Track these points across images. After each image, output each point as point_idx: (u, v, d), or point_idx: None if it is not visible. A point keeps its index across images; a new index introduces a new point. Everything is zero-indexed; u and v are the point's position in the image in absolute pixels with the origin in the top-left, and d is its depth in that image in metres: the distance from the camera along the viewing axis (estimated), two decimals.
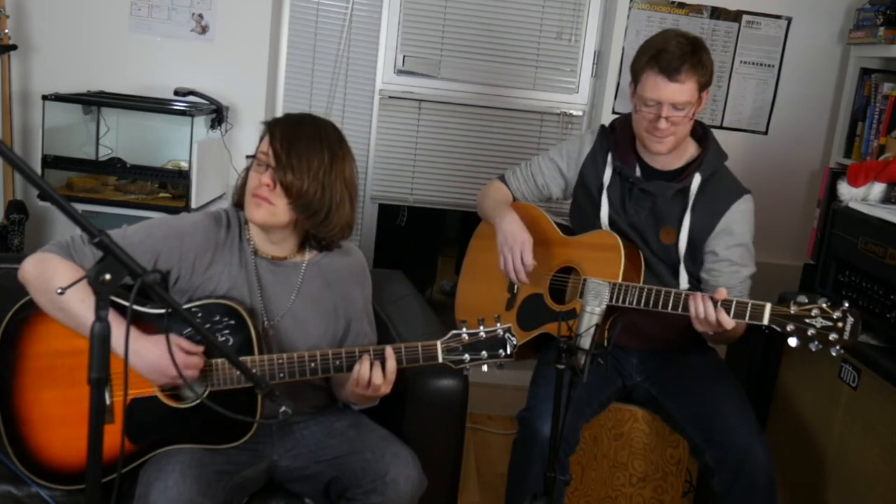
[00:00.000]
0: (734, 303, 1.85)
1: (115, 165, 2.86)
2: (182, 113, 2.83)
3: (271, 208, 1.71)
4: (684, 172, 2.16)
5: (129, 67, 3.11)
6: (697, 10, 3.24)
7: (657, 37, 2.07)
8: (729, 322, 1.85)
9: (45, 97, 2.74)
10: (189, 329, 1.68)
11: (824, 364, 2.28)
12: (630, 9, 3.22)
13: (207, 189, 2.91)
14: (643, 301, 1.96)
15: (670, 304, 1.93)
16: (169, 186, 2.89)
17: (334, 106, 3.34)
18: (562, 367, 1.63)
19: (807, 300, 1.77)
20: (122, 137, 3.05)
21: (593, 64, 3.39)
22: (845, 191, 2.49)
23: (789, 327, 1.78)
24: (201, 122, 2.96)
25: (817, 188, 3.27)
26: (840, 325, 1.74)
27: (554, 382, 1.67)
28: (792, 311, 1.78)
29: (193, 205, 2.77)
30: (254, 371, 1.57)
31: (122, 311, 1.57)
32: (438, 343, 1.71)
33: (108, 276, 1.13)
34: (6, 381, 1.71)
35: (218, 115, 3.02)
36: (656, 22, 3.23)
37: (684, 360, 2.21)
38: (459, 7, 3.31)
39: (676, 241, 2.14)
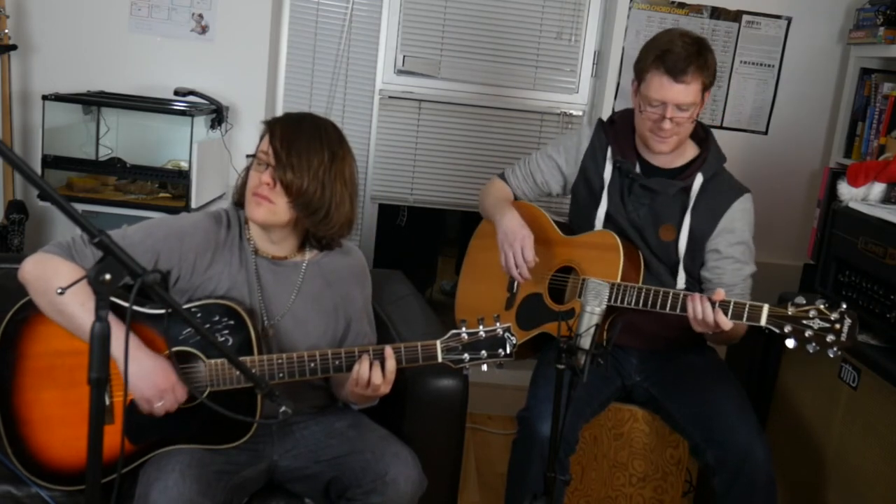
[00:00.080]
0: (732, 304, 1.85)
1: (115, 165, 2.86)
2: (182, 113, 2.83)
3: (271, 207, 1.71)
4: (685, 171, 2.16)
5: (129, 67, 3.11)
6: (697, 10, 3.24)
7: (662, 36, 2.06)
8: (727, 323, 1.85)
9: (45, 97, 2.74)
10: (189, 329, 1.68)
11: (824, 364, 2.28)
12: (630, 9, 3.22)
13: (207, 189, 2.91)
14: (641, 301, 1.96)
15: (668, 305, 1.93)
16: (169, 186, 2.89)
17: (334, 106, 3.34)
18: (562, 367, 1.63)
19: (805, 301, 1.77)
20: (122, 137, 3.05)
21: (593, 64, 3.39)
22: (845, 191, 2.49)
23: (787, 328, 1.78)
24: (201, 122, 2.96)
25: (817, 188, 3.27)
26: (837, 326, 1.74)
27: (554, 382, 1.67)
28: (789, 313, 1.78)
29: (193, 205, 2.77)
30: (253, 371, 1.57)
31: (120, 314, 1.57)
32: (438, 343, 1.71)
33: (108, 276, 1.13)
34: (6, 381, 1.71)
35: (218, 115, 3.02)
36: (656, 22, 3.23)
37: (684, 360, 2.21)
38: (459, 7, 3.31)
39: (676, 239, 2.14)
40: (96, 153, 3.02)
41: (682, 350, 2.22)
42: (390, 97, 3.35)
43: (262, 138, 1.75)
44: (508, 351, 1.72)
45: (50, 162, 2.75)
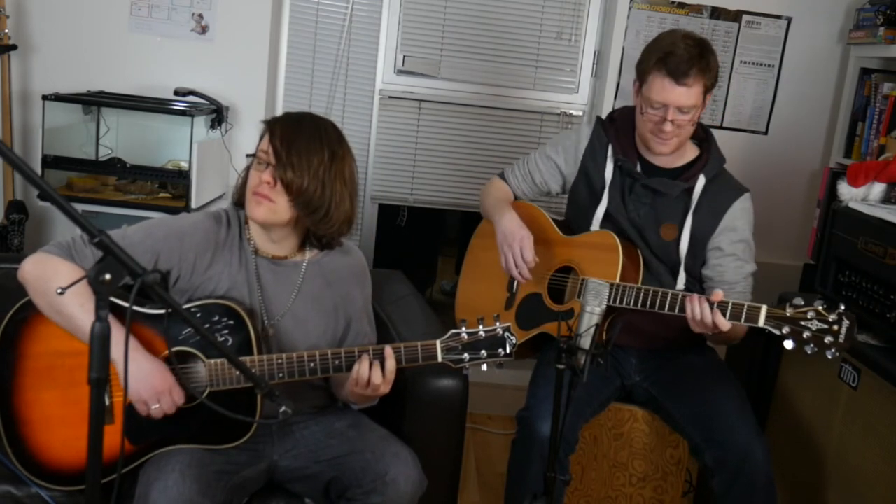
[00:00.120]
0: (730, 305, 1.85)
1: (115, 165, 2.86)
2: (182, 113, 2.83)
3: (272, 206, 1.71)
4: (687, 172, 2.16)
5: (129, 67, 3.11)
6: (697, 10, 3.24)
7: (665, 38, 2.06)
8: (724, 324, 1.85)
9: (45, 97, 2.74)
10: (188, 329, 1.69)
11: (824, 364, 2.28)
12: (630, 9, 3.22)
13: (207, 189, 2.91)
14: (640, 302, 1.96)
15: (667, 306, 1.93)
16: (169, 186, 2.89)
17: (334, 106, 3.34)
18: (562, 367, 1.63)
19: (803, 303, 1.77)
20: (122, 137, 3.05)
21: (593, 64, 3.39)
22: (845, 191, 2.49)
23: (785, 330, 1.78)
24: (201, 122, 2.96)
25: (817, 188, 3.27)
26: (836, 328, 1.74)
27: (553, 382, 1.67)
28: (788, 314, 1.77)
29: (193, 205, 2.77)
30: (253, 371, 1.57)
31: (120, 314, 1.57)
32: (438, 343, 1.71)
33: (108, 277, 1.13)
34: (6, 381, 1.71)
35: (218, 115, 3.02)
36: (656, 22, 3.23)
37: (683, 360, 2.21)
38: (459, 7, 3.31)
39: (678, 239, 2.14)
40: (96, 153, 3.02)
41: (682, 350, 2.22)
42: (390, 97, 3.35)
43: (261, 138, 1.75)
44: (508, 351, 1.72)
45: (50, 162, 2.75)
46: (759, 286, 2.21)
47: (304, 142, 1.70)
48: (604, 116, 2.33)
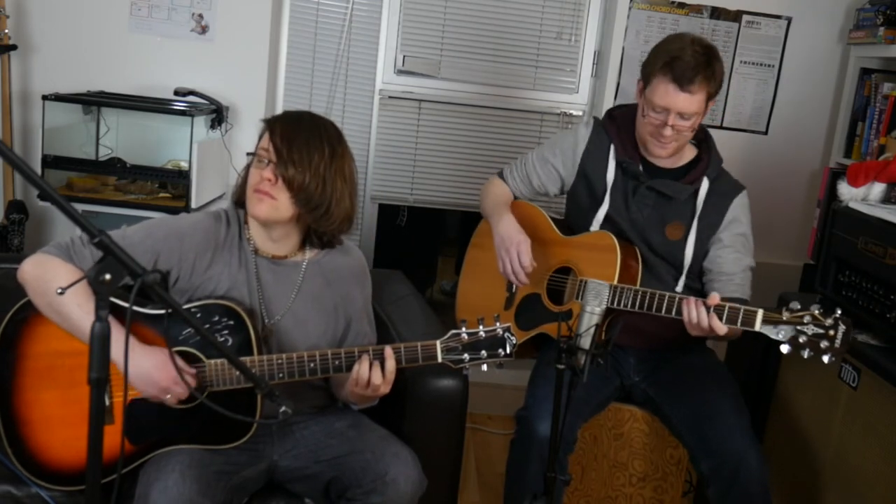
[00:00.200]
0: (726, 308, 1.85)
1: (115, 165, 2.86)
2: (182, 113, 2.83)
3: (273, 203, 1.71)
4: (689, 173, 2.17)
5: (129, 67, 3.11)
6: (697, 10, 3.24)
7: (673, 41, 2.05)
8: (721, 328, 1.85)
9: (45, 97, 2.74)
10: (188, 329, 1.69)
11: (824, 364, 2.27)
12: (630, 9, 3.22)
13: (207, 189, 2.91)
14: (638, 304, 1.96)
15: (664, 308, 1.94)
16: (169, 186, 2.89)
17: (334, 106, 3.34)
18: (562, 367, 1.63)
19: (799, 306, 1.77)
20: (122, 137, 3.05)
21: (593, 64, 3.39)
22: (845, 191, 2.49)
23: (781, 334, 1.78)
24: (201, 122, 2.96)
25: (817, 188, 3.27)
26: (832, 333, 1.74)
27: (553, 382, 1.67)
28: (784, 318, 1.78)
29: (193, 205, 2.77)
30: (253, 371, 1.57)
31: (119, 314, 1.57)
32: (438, 343, 1.71)
33: (107, 277, 1.13)
34: (6, 381, 1.71)
35: (218, 115, 3.02)
36: (656, 22, 3.23)
37: (682, 361, 2.21)
38: (459, 7, 3.31)
39: (684, 238, 2.15)
40: (96, 153, 3.02)
41: (681, 350, 2.22)
42: (390, 97, 3.35)
43: (261, 136, 1.75)
44: (508, 351, 1.72)
45: (50, 162, 2.75)
46: (759, 286, 2.21)
47: (304, 139, 1.70)
48: (601, 116, 2.33)
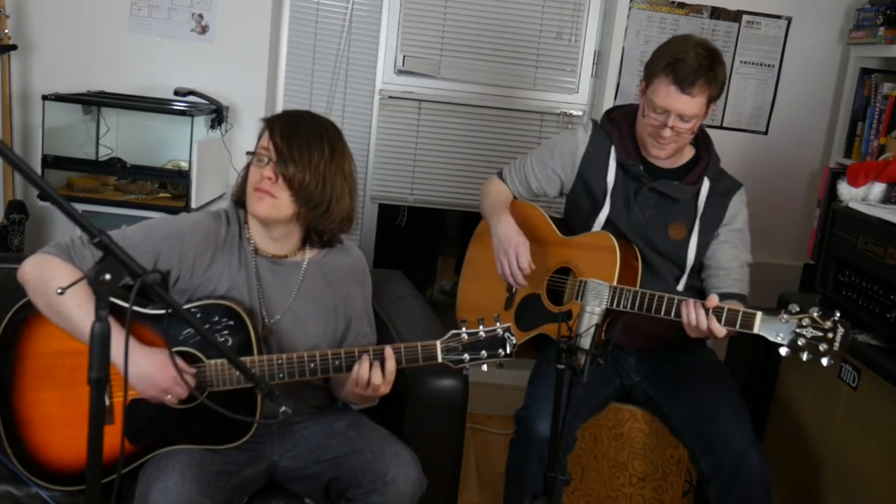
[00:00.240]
0: (725, 311, 1.85)
1: (115, 165, 2.86)
2: (182, 113, 2.83)
3: (274, 201, 1.71)
4: (690, 173, 2.18)
5: (129, 67, 3.11)
6: (697, 10, 3.24)
7: (677, 43, 2.05)
8: (720, 330, 1.85)
9: (45, 97, 2.74)
10: (188, 329, 1.68)
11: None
12: (630, 9, 3.22)
13: (207, 189, 2.91)
14: (637, 305, 1.96)
15: (663, 310, 1.94)
16: (169, 186, 2.89)
17: (334, 106, 3.34)
18: (562, 367, 1.63)
19: (798, 309, 1.77)
20: (122, 137, 3.05)
21: (593, 64, 3.39)
22: (845, 191, 2.49)
23: (780, 337, 1.78)
24: (201, 122, 2.96)
25: (817, 188, 3.27)
26: (830, 335, 1.74)
27: (552, 382, 1.67)
28: (783, 321, 1.78)
29: (193, 205, 2.77)
30: (253, 371, 1.57)
31: (119, 314, 1.56)
32: (438, 343, 1.71)
33: (107, 277, 1.13)
34: (6, 381, 1.71)
35: (218, 115, 3.02)
36: (656, 22, 3.23)
37: (682, 361, 2.21)
38: (459, 7, 3.31)
39: (687, 238, 2.15)
40: (96, 153, 3.02)
41: (681, 350, 2.22)
42: (390, 97, 3.35)
43: (261, 135, 1.76)
44: (508, 351, 1.72)
45: (50, 162, 2.75)
46: (759, 286, 2.22)
47: (304, 137, 1.71)
48: (601, 116, 2.32)
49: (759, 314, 1.81)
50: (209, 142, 2.95)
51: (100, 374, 1.14)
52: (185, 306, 1.71)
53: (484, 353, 1.72)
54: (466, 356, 1.71)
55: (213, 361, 1.69)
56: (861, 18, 3.09)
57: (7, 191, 3.01)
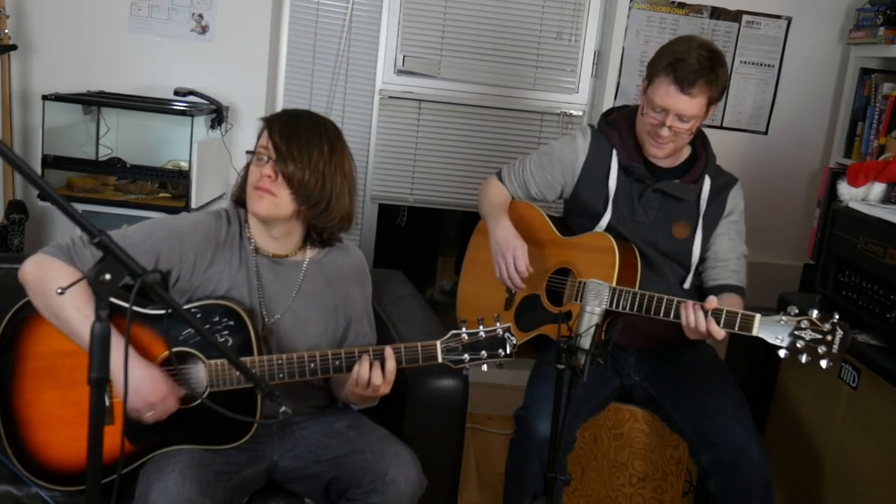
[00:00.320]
0: (724, 312, 1.85)
1: (115, 165, 2.86)
2: (182, 113, 2.83)
3: (274, 199, 1.71)
4: (690, 172, 2.18)
5: (129, 67, 3.11)
6: (697, 10, 3.24)
7: (680, 43, 2.06)
8: (719, 332, 1.85)
9: (45, 97, 2.74)
10: (189, 329, 1.68)
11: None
12: (630, 9, 3.22)
13: (207, 189, 2.91)
14: (636, 306, 1.96)
15: (662, 311, 1.94)
16: (169, 186, 2.89)
17: (334, 106, 3.34)
18: (562, 367, 1.63)
19: (797, 311, 1.77)
20: (122, 137, 3.05)
21: (593, 64, 3.39)
22: (845, 191, 2.50)
23: (779, 339, 1.78)
24: (201, 122, 2.96)
25: (817, 188, 3.27)
26: (829, 338, 1.74)
27: (552, 382, 1.67)
28: (782, 323, 1.78)
29: (193, 205, 2.77)
30: (253, 371, 1.56)
31: (119, 314, 1.56)
32: (438, 343, 1.71)
33: (107, 277, 1.13)
34: (6, 381, 1.71)
35: (218, 115, 3.02)
36: (656, 22, 3.23)
37: (682, 359, 2.21)
38: (459, 7, 3.31)
39: (692, 237, 2.15)
40: (96, 153, 3.02)
41: (681, 349, 2.22)
42: (390, 97, 3.34)
43: (260, 135, 1.76)
44: (508, 351, 1.72)
45: (50, 162, 2.75)
46: (759, 286, 2.22)
47: (303, 136, 1.71)
48: (602, 116, 2.32)
49: (757, 316, 1.81)
50: (209, 142, 2.95)
51: (100, 374, 1.14)
52: (186, 306, 1.71)
53: (484, 353, 1.72)
54: (466, 356, 1.71)
55: (213, 361, 1.69)
56: (861, 18, 3.09)
57: (7, 191, 3.01)
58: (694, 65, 1.99)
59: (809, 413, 2.38)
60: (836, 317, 1.75)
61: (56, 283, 1.44)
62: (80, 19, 3.08)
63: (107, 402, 1.67)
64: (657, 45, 2.13)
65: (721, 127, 3.31)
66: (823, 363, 1.74)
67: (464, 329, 1.72)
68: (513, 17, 3.33)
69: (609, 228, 2.17)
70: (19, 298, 1.70)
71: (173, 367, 1.68)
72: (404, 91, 3.35)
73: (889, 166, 2.43)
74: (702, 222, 2.17)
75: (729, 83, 3.24)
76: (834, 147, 3.23)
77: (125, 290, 1.16)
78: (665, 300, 1.93)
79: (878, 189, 2.44)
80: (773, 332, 1.79)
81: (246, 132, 3.14)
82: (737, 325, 1.83)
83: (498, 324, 1.73)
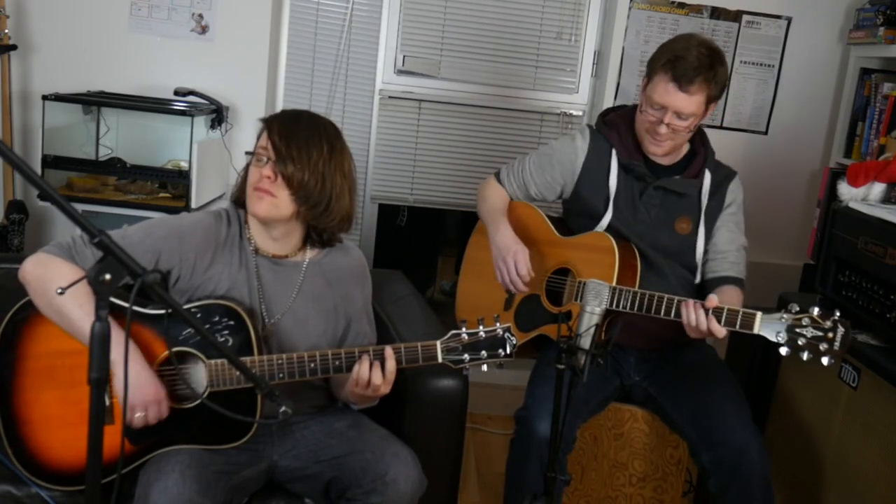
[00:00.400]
0: (725, 311, 1.85)
1: (115, 165, 2.86)
2: (182, 113, 2.83)
3: (273, 200, 1.71)
4: (690, 167, 2.19)
5: (129, 67, 3.11)
6: (697, 10, 3.24)
7: (680, 41, 2.06)
8: (720, 331, 1.85)
9: (45, 97, 2.74)
10: (189, 329, 1.68)
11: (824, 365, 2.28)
12: (630, 9, 3.22)
13: (207, 189, 2.91)
14: (637, 306, 1.96)
15: (663, 310, 1.94)
16: (169, 186, 2.89)
17: (334, 106, 3.34)
18: (562, 367, 1.63)
19: (798, 308, 1.77)
20: (122, 137, 3.05)
21: (593, 64, 3.39)
22: (845, 191, 2.50)
23: (780, 337, 1.78)
24: (201, 122, 2.96)
25: (817, 188, 3.27)
26: (830, 335, 1.74)
27: (552, 382, 1.67)
28: (782, 320, 1.78)
29: (193, 205, 2.77)
30: (253, 371, 1.56)
31: (119, 314, 1.56)
32: (438, 343, 1.71)
33: (108, 276, 1.13)
34: (6, 381, 1.71)
35: (218, 115, 3.02)
36: (656, 22, 3.23)
37: (682, 359, 2.21)
38: (459, 7, 3.31)
39: (694, 232, 2.16)
40: (96, 153, 3.02)
41: (680, 349, 2.22)
42: (390, 97, 3.35)
43: (259, 135, 1.76)
44: (508, 351, 1.72)
45: (50, 162, 2.75)
46: (759, 286, 2.22)
47: (302, 136, 1.71)
48: (594, 121, 2.31)
49: (758, 314, 1.81)
50: (209, 142, 2.95)
51: (100, 374, 1.14)
52: (186, 306, 1.71)
53: (484, 353, 1.72)
54: (466, 356, 1.71)
55: (213, 361, 1.69)
56: (861, 18, 3.09)
57: (7, 191, 3.01)
58: (693, 62, 1.99)
59: (809, 413, 2.38)
60: (837, 314, 1.75)
61: (57, 282, 1.44)
62: (80, 19, 3.08)
63: (107, 402, 1.67)
64: (657, 45, 2.13)
65: (721, 127, 3.31)
66: (825, 360, 1.74)
67: (464, 329, 1.72)
68: (513, 17, 3.33)
69: (610, 228, 2.17)
70: (19, 298, 1.70)
71: (173, 366, 1.68)
72: (404, 91, 3.35)
73: (889, 166, 2.43)
74: (704, 217, 2.17)
75: (729, 82, 3.28)
76: (834, 147, 3.23)
77: (125, 289, 1.16)
78: (665, 299, 1.93)
79: (878, 189, 2.44)
80: (774, 329, 1.79)
81: (246, 132, 3.14)
82: (738, 323, 1.83)
83: (498, 324, 1.73)
